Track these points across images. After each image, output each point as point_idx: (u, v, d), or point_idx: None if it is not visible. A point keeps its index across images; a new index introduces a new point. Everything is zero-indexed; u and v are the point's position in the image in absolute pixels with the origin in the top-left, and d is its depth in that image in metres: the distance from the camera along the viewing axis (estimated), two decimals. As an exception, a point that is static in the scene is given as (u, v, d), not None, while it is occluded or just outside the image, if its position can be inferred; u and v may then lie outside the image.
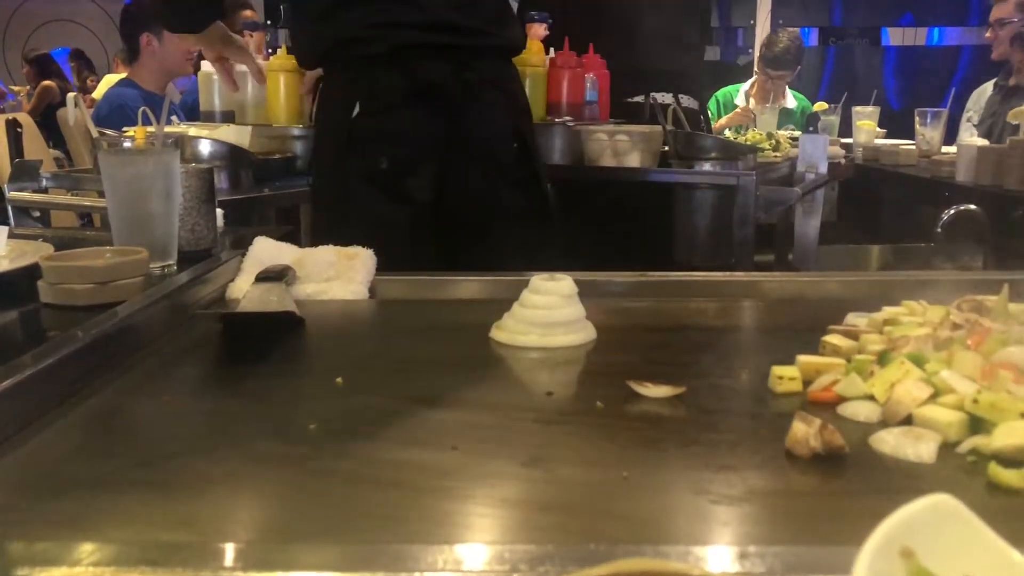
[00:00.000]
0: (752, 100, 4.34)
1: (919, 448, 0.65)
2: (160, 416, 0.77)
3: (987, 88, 3.87)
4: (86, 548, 0.51)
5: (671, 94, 2.75)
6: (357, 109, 1.58)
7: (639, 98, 2.53)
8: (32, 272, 1.04)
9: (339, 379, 0.82)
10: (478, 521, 0.57)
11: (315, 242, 1.25)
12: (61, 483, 0.62)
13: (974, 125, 3.78)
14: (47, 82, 7.09)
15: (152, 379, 0.85)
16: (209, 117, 2.43)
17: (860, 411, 0.73)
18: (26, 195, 1.93)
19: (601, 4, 2.83)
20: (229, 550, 0.52)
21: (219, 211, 1.38)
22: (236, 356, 0.93)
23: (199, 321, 1.03)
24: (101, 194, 1.35)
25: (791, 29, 4.60)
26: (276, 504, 0.60)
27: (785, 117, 4.14)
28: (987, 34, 3.73)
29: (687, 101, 2.79)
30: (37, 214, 2.19)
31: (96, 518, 0.57)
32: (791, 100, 4.37)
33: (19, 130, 3.62)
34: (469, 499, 0.59)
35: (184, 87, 3.90)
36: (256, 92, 2.33)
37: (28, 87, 7.29)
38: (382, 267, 1.22)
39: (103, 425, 0.75)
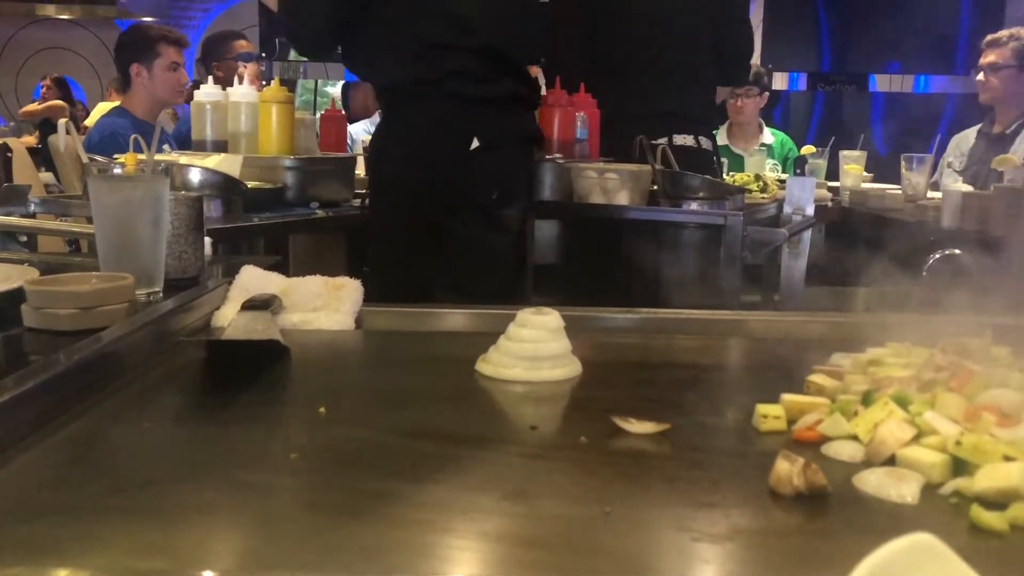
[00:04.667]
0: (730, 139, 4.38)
1: (902, 489, 0.65)
2: (140, 443, 0.76)
3: (968, 135, 3.89)
4: (60, 574, 0.51)
5: (691, 136, 2.78)
6: (476, 143, 1.68)
7: (662, 140, 2.53)
8: (16, 296, 1.04)
9: (322, 409, 0.82)
10: (458, 555, 0.56)
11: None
12: (37, 508, 0.61)
13: (955, 171, 3.80)
14: (58, 102, 7.16)
15: (134, 405, 0.84)
16: (201, 146, 2.43)
17: (843, 451, 0.73)
18: (13, 219, 1.93)
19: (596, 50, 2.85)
20: (205, 579, 0.52)
21: (207, 239, 1.38)
22: (219, 384, 0.93)
23: (184, 348, 1.03)
24: (89, 220, 1.34)
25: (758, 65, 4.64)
26: (254, 534, 0.60)
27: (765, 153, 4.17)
28: (978, 77, 3.67)
29: (689, 141, 2.80)
30: (24, 239, 2.18)
31: (72, 544, 0.56)
32: (768, 136, 4.40)
33: (8, 155, 3.62)
34: (450, 532, 0.59)
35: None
36: (249, 122, 2.34)
37: (12, 124, 7.36)
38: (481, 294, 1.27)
39: (82, 451, 0.74)
